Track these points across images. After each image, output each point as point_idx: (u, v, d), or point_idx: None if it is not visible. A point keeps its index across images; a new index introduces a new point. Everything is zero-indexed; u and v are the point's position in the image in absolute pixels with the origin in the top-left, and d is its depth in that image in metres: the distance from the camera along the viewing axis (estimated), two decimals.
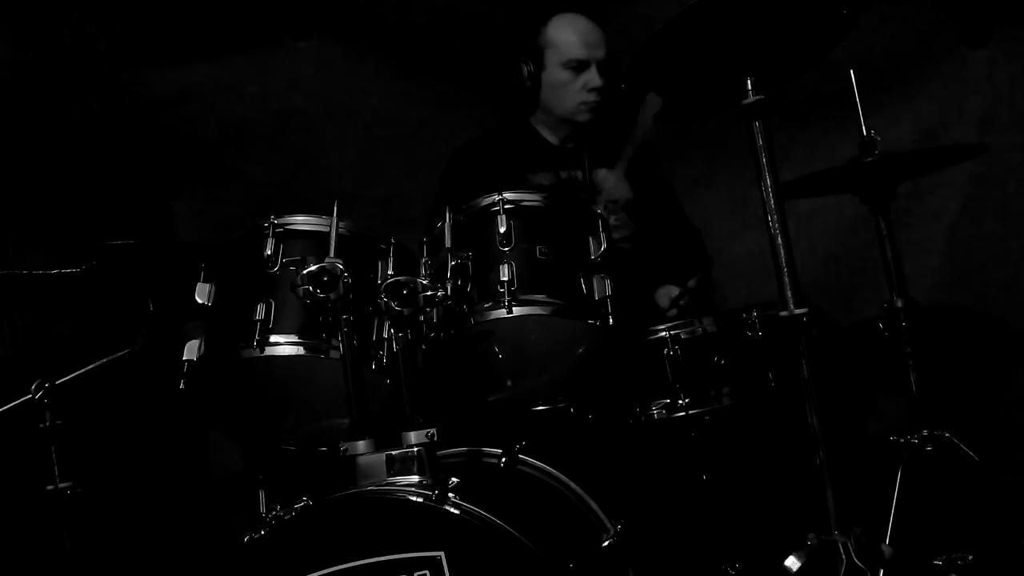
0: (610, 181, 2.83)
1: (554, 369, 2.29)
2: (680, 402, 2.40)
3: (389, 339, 2.02)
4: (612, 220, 2.70)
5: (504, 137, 2.94)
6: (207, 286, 2.10)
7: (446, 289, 1.88)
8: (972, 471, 2.41)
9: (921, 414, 2.40)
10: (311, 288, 1.81)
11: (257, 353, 1.97)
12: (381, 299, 1.81)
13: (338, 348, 1.93)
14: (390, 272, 2.05)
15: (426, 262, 2.01)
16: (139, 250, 2.30)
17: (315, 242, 2.02)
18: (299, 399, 2.20)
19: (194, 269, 2.12)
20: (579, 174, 2.85)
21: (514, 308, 1.98)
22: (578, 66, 2.79)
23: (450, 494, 1.70)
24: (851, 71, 2.40)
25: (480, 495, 1.76)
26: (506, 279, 1.99)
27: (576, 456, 2.23)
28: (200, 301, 2.09)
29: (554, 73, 2.82)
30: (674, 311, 2.72)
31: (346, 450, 1.83)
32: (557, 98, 2.84)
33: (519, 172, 2.78)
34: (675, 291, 2.76)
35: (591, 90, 2.79)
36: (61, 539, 2.25)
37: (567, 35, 2.81)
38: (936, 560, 2.31)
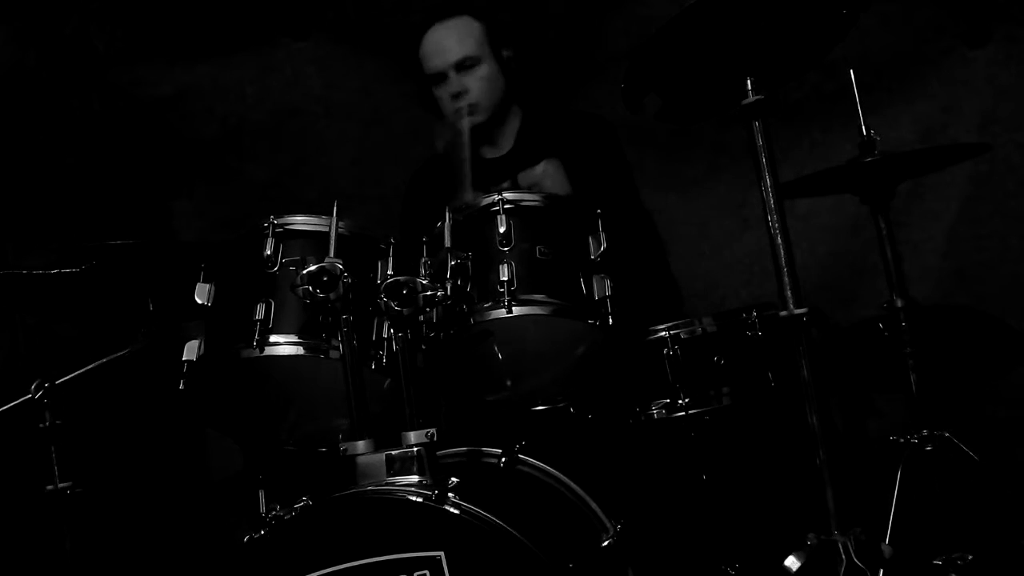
0: (548, 177, 2.67)
1: (554, 369, 2.29)
2: (680, 402, 2.40)
3: (389, 339, 2.02)
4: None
5: (449, 156, 2.82)
6: (207, 286, 2.10)
7: (446, 289, 1.88)
8: (972, 471, 2.41)
9: (921, 414, 2.40)
10: (311, 288, 1.81)
11: (257, 353, 1.97)
12: (381, 299, 1.81)
13: (338, 348, 1.93)
14: (390, 272, 2.05)
15: (426, 262, 2.01)
16: (139, 250, 2.30)
17: (315, 242, 2.02)
18: (299, 399, 2.21)
19: (194, 269, 2.12)
20: (507, 184, 2.71)
21: (514, 308, 1.98)
22: (437, 78, 2.74)
23: (450, 494, 1.70)
24: (851, 71, 2.40)
25: (480, 495, 1.76)
26: (506, 279, 1.98)
27: (576, 456, 2.23)
28: (200, 301, 2.09)
29: (432, 91, 2.78)
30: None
31: (346, 450, 1.83)
32: (444, 112, 2.78)
33: (454, 194, 2.61)
34: None
35: (454, 96, 2.72)
36: (61, 539, 2.25)
37: (423, 53, 2.76)
38: (936, 560, 2.31)
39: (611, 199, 2.77)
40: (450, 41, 2.74)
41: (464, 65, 2.73)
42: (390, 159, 3.52)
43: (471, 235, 2.07)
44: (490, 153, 2.87)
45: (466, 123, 2.69)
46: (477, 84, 2.73)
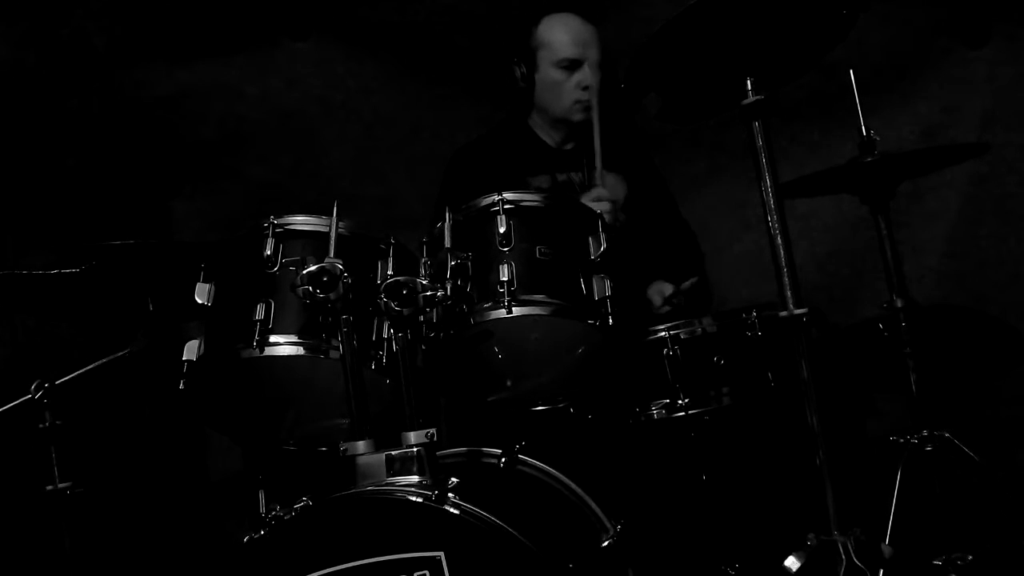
0: (608, 181, 2.82)
1: (554, 369, 2.29)
2: (680, 402, 2.40)
3: (389, 339, 2.02)
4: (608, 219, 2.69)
5: (502, 139, 2.94)
6: (207, 286, 2.10)
7: (446, 289, 1.88)
8: (972, 471, 2.41)
9: (921, 414, 2.40)
10: (311, 288, 1.81)
11: (257, 353, 1.97)
12: (381, 299, 1.81)
13: (338, 348, 1.92)
14: (390, 272, 2.05)
15: (426, 262, 2.01)
16: (139, 250, 2.30)
17: (315, 242, 2.02)
18: (299, 399, 2.20)
19: (194, 269, 2.11)
20: (576, 176, 2.84)
21: (514, 308, 1.98)
22: (570, 65, 2.80)
23: (450, 494, 1.70)
24: (851, 71, 2.40)
25: (480, 495, 1.76)
26: (506, 279, 1.98)
27: (576, 456, 2.23)
28: (200, 301, 2.08)
29: (547, 73, 2.83)
30: (666, 308, 2.72)
31: (346, 450, 1.83)
32: (552, 98, 2.84)
33: (517, 174, 2.78)
34: (668, 288, 2.76)
35: (584, 88, 2.79)
36: (61, 539, 2.25)
37: (559, 35, 2.81)
38: (936, 560, 2.31)
39: (663, 212, 2.96)
40: (590, 35, 2.82)
41: (599, 64, 2.80)
42: (390, 159, 3.52)
43: (471, 235, 2.07)
44: (563, 145, 2.95)
45: (591, 116, 2.78)
46: (602, 85, 2.80)
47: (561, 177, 2.85)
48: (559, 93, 2.83)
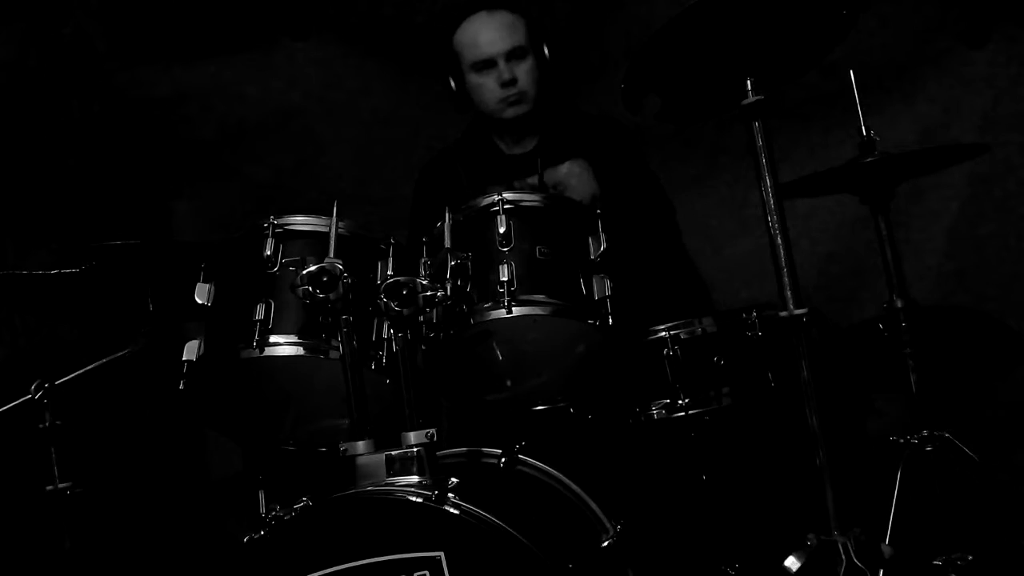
0: (574, 176, 2.69)
1: (554, 369, 2.29)
2: (680, 402, 2.40)
3: (389, 339, 2.02)
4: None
5: (463, 150, 2.89)
6: (207, 286, 2.10)
7: (445, 289, 1.88)
8: (972, 471, 2.41)
9: (921, 414, 2.40)
10: (311, 288, 1.81)
11: (257, 353, 1.97)
12: (381, 299, 1.81)
13: (338, 348, 1.93)
14: (390, 272, 2.05)
15: (425, 262, 2.01)
16: (139, 250, 2.30)
17: (315, 242, 2.03)
18: (299, 399, 2.20)
19: (194, 269, 2.12)
20: (532, 180, 2.72)
21: (514, 308, 1.99)
22: (485, 66, 2.73)
23: (450, 494, 1.70)
24: (851, 71, 2.40)
25: (480, 495, 1.76)
26: (505, 279, 1.99)
27: (576, 456, 2.23)
28: (200, 301, 2.09)
29: (470, 79, 2.76)
30: None
31: (346, 450, 1.83)
32: (482, 102, 2.77)
33: (476, 186, 2.66)
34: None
35: (504, 84, 2.71)
36: (61, 539, 2.25)
37: (468, 38, 2.74)
38: (936, 560, 2.31)
39: (641, 201, 2.83)
40: (501, 30, 2.72)
41: (515, 54, 2.71)
42: (390, 159, 3.52)
43: (471, 235, 2.07)
44: (516, 149, 2.86)
45: (512, 113, 2.73)
46: (525, 75, 2.73)
47: (517, 184, 2.71)
48: (485, 96, 2.75)
